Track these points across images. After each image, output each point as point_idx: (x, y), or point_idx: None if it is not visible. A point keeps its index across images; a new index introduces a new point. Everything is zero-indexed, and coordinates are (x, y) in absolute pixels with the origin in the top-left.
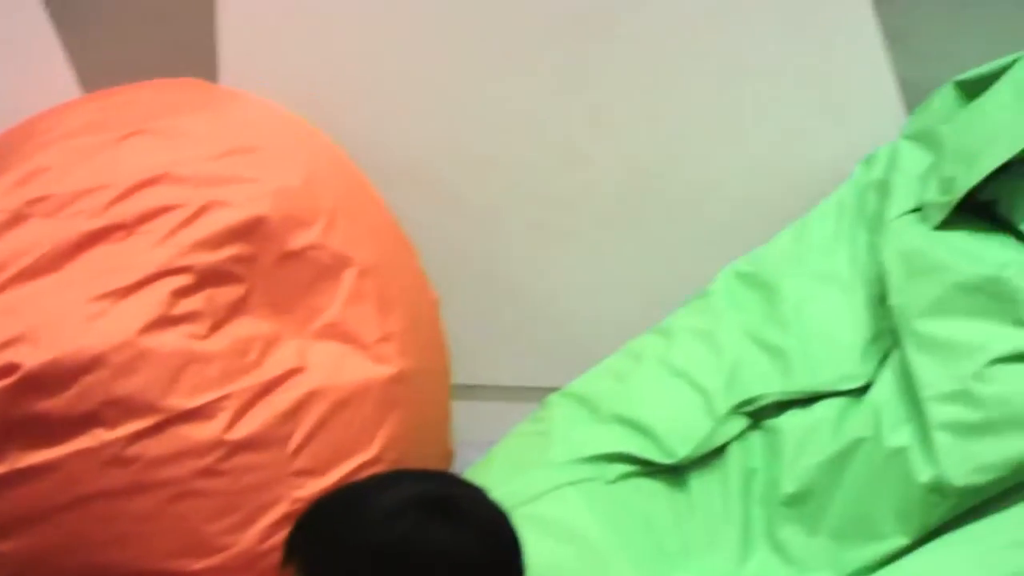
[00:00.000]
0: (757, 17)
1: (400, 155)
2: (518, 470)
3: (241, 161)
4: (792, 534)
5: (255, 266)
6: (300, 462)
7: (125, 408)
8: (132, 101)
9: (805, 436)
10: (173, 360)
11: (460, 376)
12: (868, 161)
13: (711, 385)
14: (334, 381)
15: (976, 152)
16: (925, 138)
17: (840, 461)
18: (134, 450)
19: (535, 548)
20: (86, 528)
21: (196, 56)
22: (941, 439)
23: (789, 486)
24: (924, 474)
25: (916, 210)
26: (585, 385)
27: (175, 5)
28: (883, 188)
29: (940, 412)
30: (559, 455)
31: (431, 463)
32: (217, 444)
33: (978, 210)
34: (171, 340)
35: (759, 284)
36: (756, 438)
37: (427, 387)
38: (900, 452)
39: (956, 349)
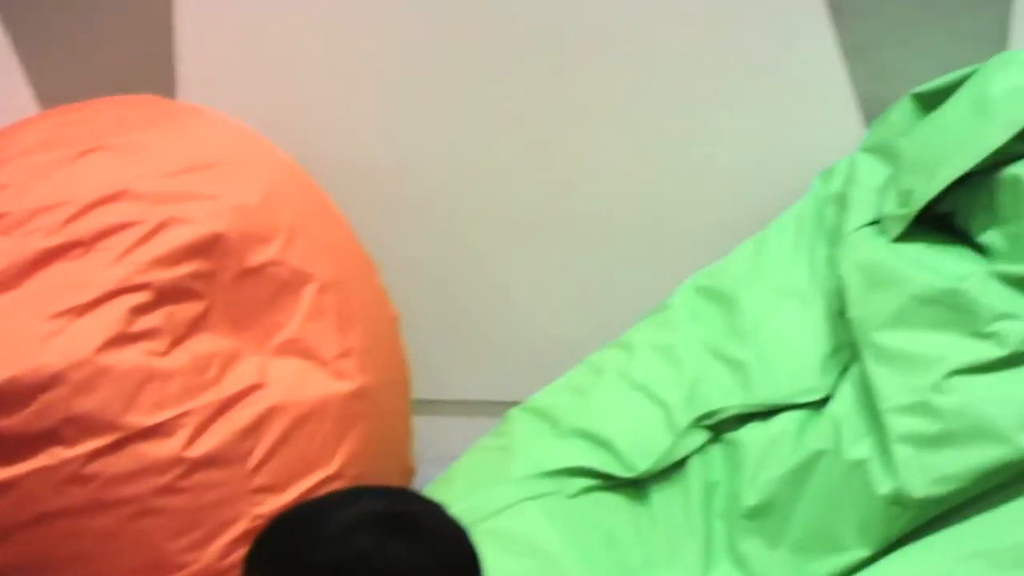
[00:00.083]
0: (716, 33)
1: (360, 170)
2: (479, 485)
3: (200, 177)
4: (753, 547)
5: (214, 282)
6: (260, 479)
7: (84, 426)
8: (90, 118)
9: (765, 449)
10: (132, 377)
11: (421, 391)
12: (827, 174)
13: (671, 399)
14: (294, 397)
15: (934, 164)
16: (883, 151)
17: (800, 474)
18: (94, 468)
19: (496, 563)
20: (48, 546)
21: (154, 72)
22: (901, 451)
23: (750, 499)
24: (884, 486)
25: (875, 223)
26: (546, 399)
27: (133, 22)
28: (842, 201)
29: (899, 424)
30: (520, 470)
31: (392, 478)
32: (177, 461)
33: (936, 222)
34: (130, 357)
35: (719, 298)
36: (717, 451)
37: (387, 403)
38: (860, 464)
39: (915, 361)
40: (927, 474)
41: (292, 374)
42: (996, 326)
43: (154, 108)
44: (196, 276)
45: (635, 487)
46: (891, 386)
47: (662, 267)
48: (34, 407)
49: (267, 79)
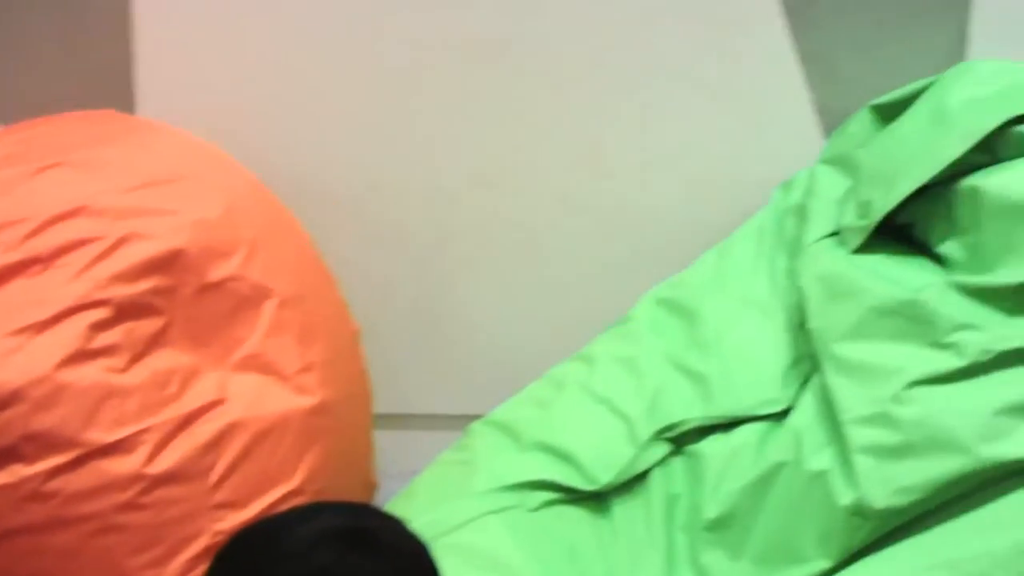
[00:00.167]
0: (674, 44)
1: (320, 185)
2: (441, 499)
3: (159, 193)
4: (715, 559)
5: (174, 298)
6: (221, 495)
7: (44, 443)
8: (49, 133)
9: (727, 461)
10: (92, 394)
11: (382, 405)
12: (786, 186)
13: (633, 411)
14: (255, 413)
15: (893, 176)
16: (842, 162)
17: (762, 485)
18: (54, 485)
19: None
20: (9, 563)
21: (113, 88)
22: (861, 462)
23: (711, 511)
24: (845, 497)
25: (834, 234)
26: (507, 413)
27: (91, 37)
28: (802, 213)
29: (860, 435)
30: (482, 484)
31: (354, 493)
32: (137, 478)
33: (896, 233)
34: (90, 374)
35: (680, 309)
36: (678, 464)
37: (349, 417)
38: (821, 476)
39: (875, 372)
40: (888, 485)
41: (253, 389)
42: (955, 337)
43: (113, 123)
44: (156, 292)
45: (597, 500)
46: (851, 397)
47: (623, 279)
48: None
49: (227, 94)
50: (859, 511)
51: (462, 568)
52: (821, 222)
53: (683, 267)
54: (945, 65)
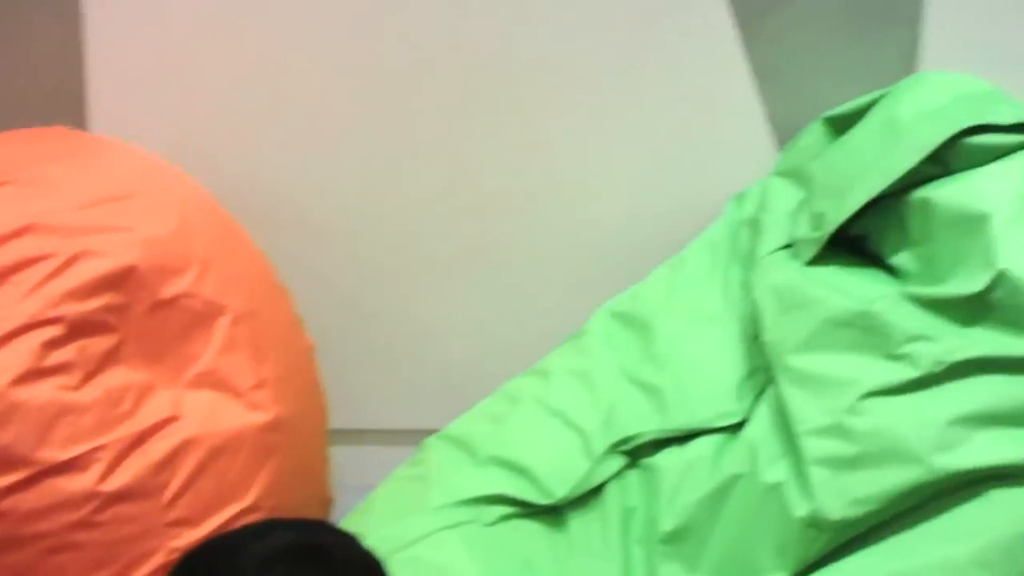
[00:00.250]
0: (626, 57)
1: (273, 200)
2: (397, 514)
3: (112, 210)
4: (672, 572)
5: (127, 315)
6: (176, 512)
7: None
8: None
9: (682, 474)
10: (45, 412)
11: (338, 421)
12: (739, 198)
13: (588, 425)
14: (209, 429)
15: (845, 188)
16: (795, 175)
17: (718, 498)
18: (7, 503)
19: None
20: None
21: (65, 104)
22: (817, 473)
23: (668, 524)
24: (801, 508)
25: (788, 246)
26: (463, 427)
27: (42, 53)
28: (755, 225)
29: (815, 447)
30: (437, 499)
31: (310, 509)
32: (91, 496)
33: (850, 245)
34: (43, 392)
35: (635, 323)
36: (634, 477)
37: (304, 433)
38: (776, 487)
39: (829, 384)
40: (843, 496)
41: (207, 406)
42: (908, 348)
43: (65, 140)
44: (109, 309)
45: (553, 514)
46: (806, 409)
47: (579, 293)
48: None
49: (180, 110)
50: (815, 523)
51: None
52: (774, 234)
53: (639, 280)
54: (897, 77)
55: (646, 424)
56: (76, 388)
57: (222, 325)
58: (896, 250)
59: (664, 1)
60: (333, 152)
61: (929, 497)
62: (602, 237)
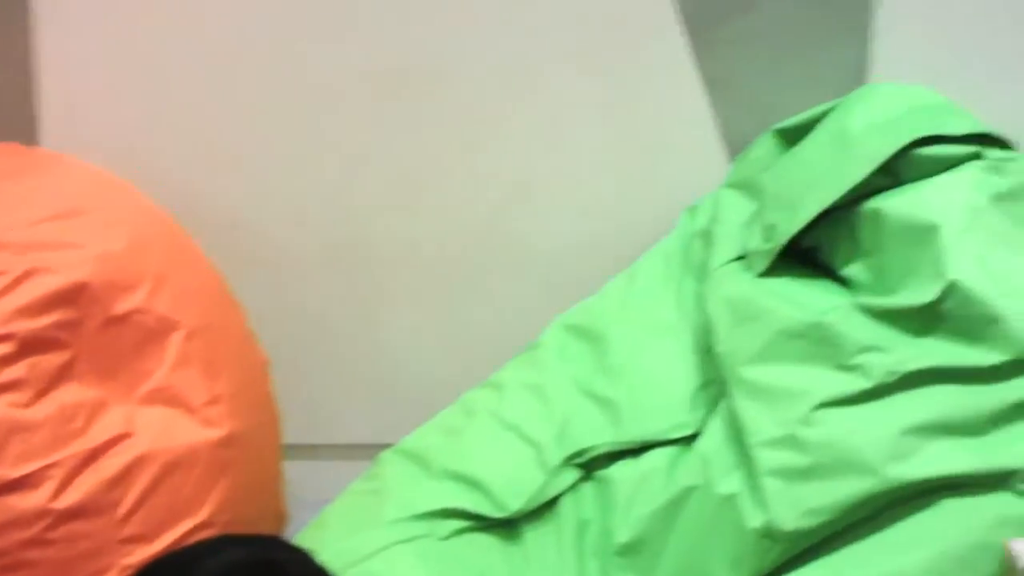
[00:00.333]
0: (577, 68)
1: (227, 214)
2: (352, 529)
3: (64, 226)
4: None
5: (80, 332)
6: (130, 528)
7: None
8: None
9: (637, 486)
10: None
11: (293, 435)
12: (692, 210)
13: (542, 438)
14: (162, 445)
15: (797, 199)
16: (747, 186)
17: (672, 509)
18: None
19: None
20: None
21: (15, 120)
22: (770, 484)
23: (622, 536)
24: (755, 519)
25: (740, 258)
26: (417, 441)
27: None
28: (707, 237)
29: (768, 458)
30: (392, 513)
31: (265, 524)
32: (44, 513)
33: (802, 257)
34: None
35: (588, 335)
36: (588, 489)
37: (258, 448)
38: (730, 499)
39: (782, 395)
40: (797, 507)
41: (160, 422)
42: (860, 358)
43: (15, 157)
44: (60, 326)
45: (508, 527)
46: (759, 420)
47: (532, 305)
48: None
49: (132, 125)
50: (768, 533)
51: None
52: (727, 246)
53: (592, 293)
54: (847, 88)
55: (600, 436)
56: (28, 405)
57: (175, 341)
58: (848, 261)
59: (613, 10)
60: (285, 165)
61: (882, 507)
62: (556, 251)
